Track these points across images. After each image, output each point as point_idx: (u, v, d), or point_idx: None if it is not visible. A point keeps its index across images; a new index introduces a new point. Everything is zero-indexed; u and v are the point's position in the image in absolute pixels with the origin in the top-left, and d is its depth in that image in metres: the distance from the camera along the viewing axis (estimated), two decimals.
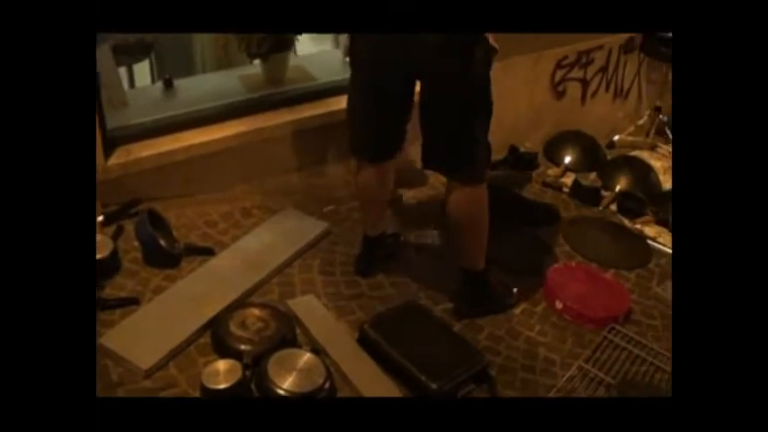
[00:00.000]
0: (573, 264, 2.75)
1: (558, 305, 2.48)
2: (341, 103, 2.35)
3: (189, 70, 3.60)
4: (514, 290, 2.51)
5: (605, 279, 2.68)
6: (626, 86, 3.99)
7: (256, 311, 2.20)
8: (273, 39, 2.91)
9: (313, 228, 2.71)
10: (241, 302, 2.29)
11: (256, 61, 3.09)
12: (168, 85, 3.01)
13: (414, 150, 2.53)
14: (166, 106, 2.86)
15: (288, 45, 3.04)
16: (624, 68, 3.91)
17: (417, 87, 2.19)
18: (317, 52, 3.76)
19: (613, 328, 2.41)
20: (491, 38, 2.01)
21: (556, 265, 2.68)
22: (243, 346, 2.06)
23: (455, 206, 2.24)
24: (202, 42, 3.62)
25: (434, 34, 1.94)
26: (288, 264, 2.53)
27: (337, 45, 3.59)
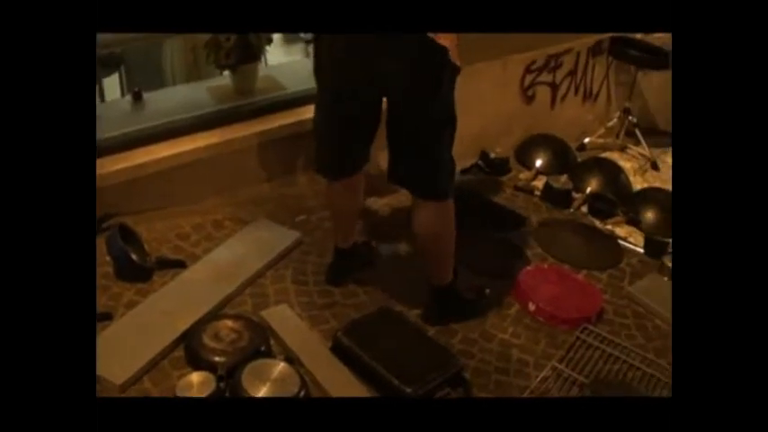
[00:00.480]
0: (545, 266, 2.77)
1: (531, 307, 2.50)
2: (311, 112, 2.35)
3: (159, 83, 3.58)
4: (486, 290, 2.52)
5: (577, 280, 2.71)
6: (595, 89, 4.02)
7: (230, 323, 2.20)
8: (242, 49, 2.91)
9: (285, 238, 2.71)
10: (214, 314, 2.29)
11: (226, 72, 3.09)
12: (137, 98, 3.00)
13: (384, 157, 2.54)
14: (136, 119, 2.85)
15: (257, 55, 3.04)
16: (593, 71, 3.94)
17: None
18: (287, 62, 3.77)
19: (586, 328, 2.43)
20: (454, 54, 1.98)
21: (528, 268, 2.70)
22: (217, 358, 2.06)
23: (421, 223, 2.23)
24: (172, 54, 3.60)
25: (399, 55, 1.93)
26: (260, 274, 2.53)
27: (307, 54, 3.60)
